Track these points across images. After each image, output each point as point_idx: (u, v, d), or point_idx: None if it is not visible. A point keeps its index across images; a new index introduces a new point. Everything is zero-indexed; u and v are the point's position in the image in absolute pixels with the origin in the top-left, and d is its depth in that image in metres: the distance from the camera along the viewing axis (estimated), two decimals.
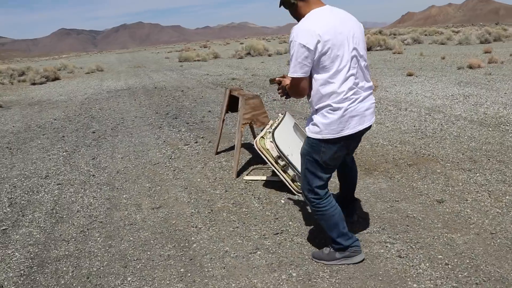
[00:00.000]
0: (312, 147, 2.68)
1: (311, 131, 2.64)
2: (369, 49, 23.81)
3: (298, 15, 2.56)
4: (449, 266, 2.81)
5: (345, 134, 2.56)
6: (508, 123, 6.24)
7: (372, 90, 2.71)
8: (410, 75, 12.17)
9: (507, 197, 3.79)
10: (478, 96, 8.40)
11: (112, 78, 19.27)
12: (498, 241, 3.07)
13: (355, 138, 2.70)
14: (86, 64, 32.38)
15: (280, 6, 2.62)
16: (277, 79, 2.96)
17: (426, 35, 41.55)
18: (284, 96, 2.92)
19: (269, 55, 26.21)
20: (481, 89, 9.25)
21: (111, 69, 26.34)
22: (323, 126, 2.55)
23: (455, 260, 2.88)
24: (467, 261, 2.85)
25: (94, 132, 7.68)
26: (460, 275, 2.70)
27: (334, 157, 2.68)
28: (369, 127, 2.71)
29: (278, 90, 2.94)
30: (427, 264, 2.84)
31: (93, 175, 5.24)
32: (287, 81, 2.76)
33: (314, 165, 2.72)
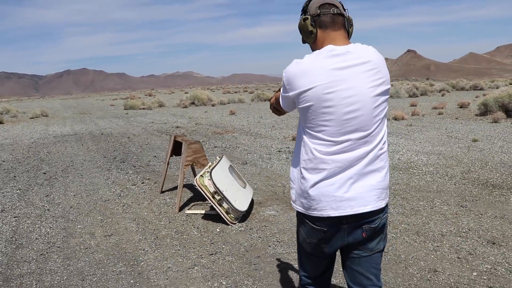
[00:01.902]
0: None
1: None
2: None
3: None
4: None
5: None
6: (416, 167, 7.38)
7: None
8: None
9: (402, 225, 4.73)
10: (396, 145, 9.64)
11: (58, 123, 19.54)
12: (388, 257, 3.95)
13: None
14: (29, 108, 32.16)
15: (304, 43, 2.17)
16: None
17: None
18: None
19: (213, 105, 27.37)
20: (400, 138, 10.56)
21: (56, 114, 26.45)
22: None
23: None
24: None
25: (45, 173, 8.16)
26: None
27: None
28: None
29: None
30: None
31: (48, 210, 5.78)
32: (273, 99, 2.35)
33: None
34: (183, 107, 26.71)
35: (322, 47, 1.97)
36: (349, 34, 2.05)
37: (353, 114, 1.89)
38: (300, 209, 2.06)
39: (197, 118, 18.84)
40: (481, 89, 32.91)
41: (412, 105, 20.22)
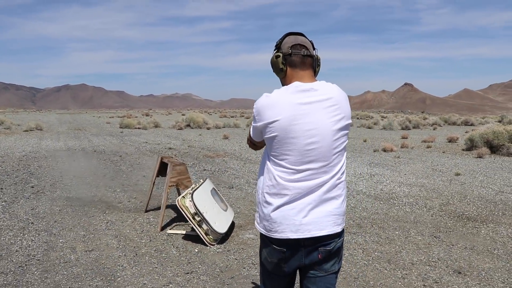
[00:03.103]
0: None
1: None
2: None
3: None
4: None
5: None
6: (396, 198, 7.55)
7: None
8: None
9: (375, 253, 4.88)
10: (381, 176, 9.82)
11: (52, 138, 19.67)
12: (357, 282, 4.10)
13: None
14: (24, 121, 32.33)
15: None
16: None
17: (358, 118, 44.88)
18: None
19: (208, 128, 27.59)
20: (387, 169, 10.74)
21: (50, 129, 26.59)
22: None
23: None
24: None
25: (33, 187, 8.27)
26: None
27: None
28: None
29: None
30: None
31: (32, 223, 5.89)
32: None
33: None
34: (178, 129, 26.93)
35: (290, 83, 2.15)
36: (315, 73, 2.24)
37: (313, 145, 2.06)
38: (263, 231, 2.22)
39: (190, 140, 19.02)
40: (472, 124, 33.41)
41: (403, 137, 20.53)
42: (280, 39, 2.26)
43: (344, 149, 2.19)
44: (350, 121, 2.18)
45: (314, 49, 2.25)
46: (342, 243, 2.27)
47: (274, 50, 2.27)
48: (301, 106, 2.06)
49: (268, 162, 2.19)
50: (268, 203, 2.16)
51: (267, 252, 2.25)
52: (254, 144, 2.38)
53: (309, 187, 2.09)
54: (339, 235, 2.21)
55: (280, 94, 2.11)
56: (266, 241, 2.23)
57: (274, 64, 2.24)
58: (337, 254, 2.25)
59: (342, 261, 2.48)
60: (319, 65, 2.25)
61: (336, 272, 2.29)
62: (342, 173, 2.19)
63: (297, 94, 2.09)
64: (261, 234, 2.27)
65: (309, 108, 2.07)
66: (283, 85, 2.25)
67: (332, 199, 2.14)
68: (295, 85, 2.12)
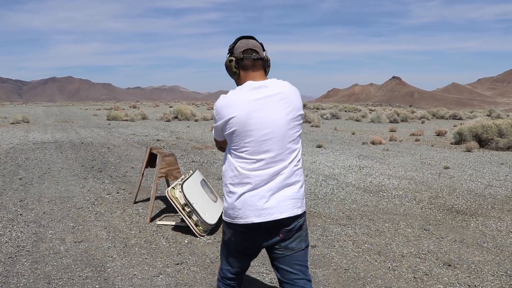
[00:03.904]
0: None
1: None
2: None
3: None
4: None
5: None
6: (386, 190, 7.59)
7: None
8: (319, 146, 13.71)
9: (366, 245, 4.90)
10: (370, 168, 9.87)
11: (39, 130, 19.46)
12: (348, 274, 4.11)
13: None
14: (11, 114, 31.93)
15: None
16: None
17: (346, 111, 45.03)
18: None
19: (196, 120, 27.48)
20: (375, 162, 10.80)
21: (37, 121, 26.30)
22: None
23: (313, 286, 3.86)
24: (321, 287, 3.85)
25: (21, 179, 8.18)
26: None
27: None
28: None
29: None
30: None
31: (21, 214, 5.83)
32: None
33: None
34: (166, 121, 26.79)
35: (243, 83, 2.41)
36: (266, 73, 2.50)
37: (268, 136, 2.30)
38: (228, 220, 2.43)
39: (178, 132, 18.94)
40: (460, 118, 33.64)
41: (391, 130, 20.63)
42: (233, 43, 2.49)
43: (299, 138, 2.42)
44: (301, 112, 2.41)
45: (264, 50, 2.49)
46: (304, 222, 2.48)
47: (228, 54, 2.50)
48: (255, 101, 2.31)
49: (229, 156, 2.41)
50: (232, 193, 2.37)
51: (230, 233, 2.48)
52: (221, 146, 2.62)
53: (268, 175, 2.32)
54: (300, 216, 2.43)
55: (235, 93, 2.35)
56: (231, 226, 2.44)
57: (228, 67, 2.48)
58: (299, 232, 2.46)
59: (309, 239, 2.71)
60: (269, 66, 2.52)
61: (304, 249, 2.49)
62: (299, 161, 2.42)
63: (250, 91, 2.34)
64: (226, 222, 2.48)
65: (262, 103, 2.31)
66: (237, 85, 2.48)
67: (291, 185, 2.37)
68: (248, 83, 2.37)
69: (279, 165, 2.33)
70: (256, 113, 2.30)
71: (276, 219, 2.32)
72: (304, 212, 2.45)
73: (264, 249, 2.52)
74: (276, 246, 2.43)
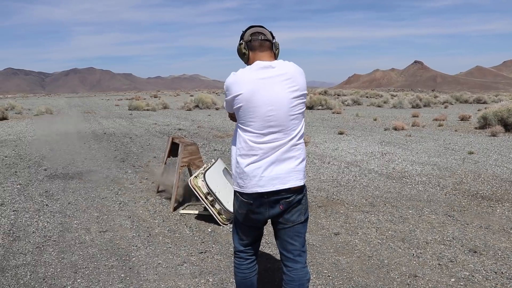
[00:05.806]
0: None
1: None
2: (311, 108, 25.84)
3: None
4: (330, 277, 3.79)
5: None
6: (409, 177, 7.51)
7: None
8: (341, 133, 13.62)
9: (389, 232, 4.86)
10: (393, 154, 9.77)
11: (62, 121, 19.74)
12: (372, 261, 4.10)
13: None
14: (34, 106, 32.49)
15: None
16: None
17: (367, 97, 44.59)
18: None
19: (217, 109, 27.53)
20: (398, 148, 10.68)
21: (60, 112, 26.69)
22: None
23: (336, 273, 3.86)
24: (345, 274, 3.84)
25: (45, 170, 8.33)
26: (336, 283, 3.68)
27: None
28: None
29: None
30: (314, 275, 3.79)
31: (47, 205, 5.94)
32: None
33: None
34: (187, 110, 26.91)
35: (253, 63, 2.60)
36: (276, 55, 2.68)
37: (271, 113, 2.49)
38: (237, 189, 2.64)
39: (199, 121, 19.01)
40: (484, 102, 32.96)
41: (413, 116, 20.32)
42: (243, 31, 2.71)
43: (302, 115, 2.60)
44: (305, 91, 2.58)
45: (273, 37, 2.68)
46: (304, 196, 2.67)
47: (239, 41, 2.70)
48: (260, 80, 2.50)
49: (238, 130, 2.62)
50: (239, 163, 2.58)
51: (238, 205, 2.70)
52: (232, 116, 2.77)
53: (272, 148, 2.52)
54: (300, 189, 2.61)
55: (244, 72, 2.56)
56: (237, 195, 2.67)
57: (238, 50, 2.70)
58: (299, 206, 2.64)
59: (309, 213, 2.83)
60: (277, 49, 2.69)
61: (303, 223, 2.69)
62: (301, 136, 2.61)
63: (257, 71, 2.53)
64: (235, 191, 2.69)
65: (267, 82, 2.50)
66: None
67: (292, 158, 2.56)
68: (257, 63, 2.57)
69: (282, 140, 2.52)
70: (261, 91, 2.49)
71: (278, 189, 2.53)
72: (304, 185, 2.64)
73: (270, 222, 2.74)
74: (280, 220, 2.64)
